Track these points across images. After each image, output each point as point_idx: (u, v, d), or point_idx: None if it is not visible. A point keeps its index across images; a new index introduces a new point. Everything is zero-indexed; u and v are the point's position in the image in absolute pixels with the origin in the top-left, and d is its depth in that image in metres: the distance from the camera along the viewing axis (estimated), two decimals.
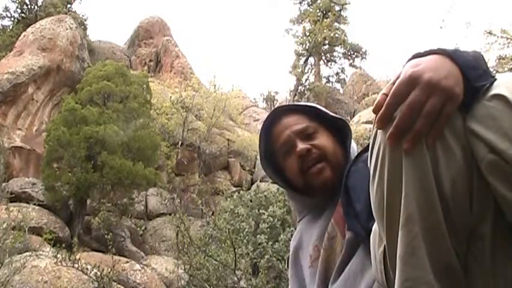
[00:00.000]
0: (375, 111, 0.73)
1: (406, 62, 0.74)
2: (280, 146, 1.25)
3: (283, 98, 25.22)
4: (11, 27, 19.82)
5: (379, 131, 0.74)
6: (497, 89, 0.69)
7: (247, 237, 8.12)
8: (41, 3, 20.02)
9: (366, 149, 1.11)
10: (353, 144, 1.27)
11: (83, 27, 19.90)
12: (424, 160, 0.69)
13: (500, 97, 0.67)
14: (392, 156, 0.70)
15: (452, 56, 0.72)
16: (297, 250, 1.33)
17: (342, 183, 1.12)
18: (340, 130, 1.28)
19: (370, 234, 0.87)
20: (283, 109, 1.30)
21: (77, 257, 7.45)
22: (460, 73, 0.70)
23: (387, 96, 0.71)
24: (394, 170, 0.71)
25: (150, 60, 22.18)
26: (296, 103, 1.33)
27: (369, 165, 0.78)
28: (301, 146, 1.21)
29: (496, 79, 0.72)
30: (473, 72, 0.71)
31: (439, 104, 0.68)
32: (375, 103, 0.73)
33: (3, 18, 20.09)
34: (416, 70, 0.70)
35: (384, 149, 0.72)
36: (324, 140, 1.23)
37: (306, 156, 1.20)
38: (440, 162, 0.69)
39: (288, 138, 1.24)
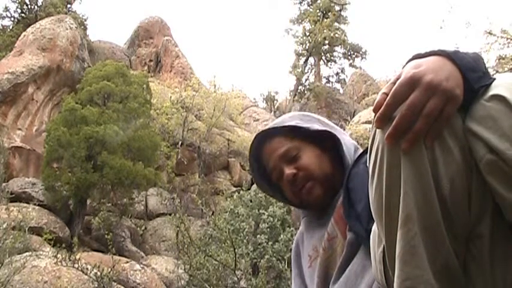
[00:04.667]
0: (375, 110, 0.73)
1: (407, 63, 0.74)
2: (271, 171, 1.28)
3: (283, 98, 25.25)
4: (11, 27, 19.83)
5: (378, 130, 0.74)
6: (496, 89, 0.69)
7: (247, 237, 8.13)
8: (41, 3, 20.03)
9: (367, 151, 1.11)
10: (349, 147, 1.25)
11: (83, 27, 19.91)
12: (422, 160, 0.69)
13: (499, 97, 0.68)
14: (391, 156, 0.71)
15: (453, 57, 0.72)
16: (298, 250, 1.34)
17: (338, 190, 1.14)
18: (326, 139, 1.26)
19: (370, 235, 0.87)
20: (263, 134, 1.30)
21: (77, 257, 7.46)
22: (460, 75, 0.71)
23: (387, 95, 0.71)
24: (392, 169, 0.71)
25: (150, 60, 22.19)
26: (273, 126, 1.31)
27: (367, 164, 0.78)
28: (287, 171, 1.23)
29: (494, 79, 0.72)
30: (473, 74, 0.71)
31: (439, 106, 0.68)
32: (375, 102, 0.73)
33: (3, 18, 20.14)
34: (418, 71, 0.70)
35: (383, 148, 0.72)
36: (307, 158, 1.23)
37: (294, 181, 1.22)
38: (438, 162, 0.69)
39: (275, 164, 1.26)
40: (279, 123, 1.31)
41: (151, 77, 18.75)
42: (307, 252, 1.26)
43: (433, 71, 0.70)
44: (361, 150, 1.22)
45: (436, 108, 0.68)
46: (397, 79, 0.71)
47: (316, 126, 1.26)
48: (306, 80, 25.22)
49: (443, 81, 0.69)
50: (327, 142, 1.26)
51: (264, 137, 1.30)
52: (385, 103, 0.71)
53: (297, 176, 1.22)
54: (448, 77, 0.69)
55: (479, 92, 0.70)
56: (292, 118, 1.30)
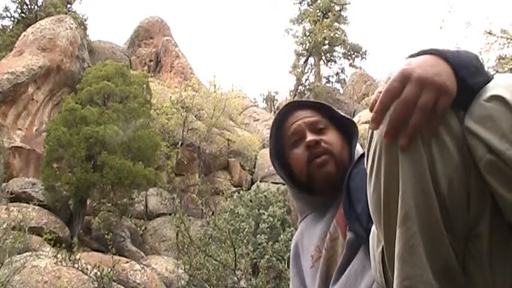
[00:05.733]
0: (371, 109, 0.73)
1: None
2: (290, 136, 1.27)
3: (283, 98, 25.22)
4: (11, 27, 19.83)
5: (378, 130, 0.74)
6: (496, 89, 0.69)
7: (247, 237, 8.12)
8: (41, 3, 20.03)
9: None
10: (358, 146, 1.28)
11: (83, 27, 19.91)
12: (421, 158, 0.69)
13: (499, 98, 0.68)
14: (389, 154, 0.71)
15: (445, 55, 0.73)
16: (298, 250, 1.33)
17: (344, 184, 1.12)
18: (347, 131, 1.29)
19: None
20: (296, 104, 1.32)
21: (77, 257, 7.45)
22: (452, 71, 0.71)
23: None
24: (390, 168, 0.71)
25: (150, 60, 22.17)
26: (308, 99, 1.36)
27: (365, 164, 0.78)
28: (310, 137, 1.22)
29: (491, 78, 0.72)
30: (465, 70, 0.72)
31: (432, 98, 0.69)
32: (371, 101, 0.74)
33: (3, 18, 20.13)
34: (409, 67, 0.71)
35: (380, 147, 0.72)
36: (332, 137, 1.25)
37: (314, 147, 1.21)
38: (436, 161, 0.69)
39: (298, 128, 1.25)
40: (311, 100, 1.36)
41: (151, 77, 18.73)
42: (308, 252, 1.25)
43: (424, 67, 0.70)
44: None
45: (429, 101, 0.68)
46: (390, 77, 0.72)
47: (342, 114, 1.31)
48: (306, 80, 25.24)
49: (435, 75, 0.69)
50: (346, 133, 1.29)
51: (295, 106, 1.31)
52: (379, 100, 0.71)
53: (319, 144, 1.22)
54: (438, 72, 0.70)
55: (474, 88, 0.71)
56: (321, 101, 1.35)
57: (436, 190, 0.69)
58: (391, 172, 0.71)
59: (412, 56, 0.75)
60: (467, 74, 0.72)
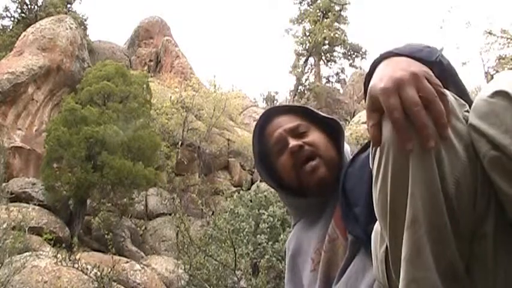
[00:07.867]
0: (376, 144, 0.71)
1: (365, 83, 0.76)
2: (273, 145, 1.25)
3: (283, 98, 25.23)
4: (11, 27, 19.83)
5: (383, 131, 0.72)
6: (499, 85, 0.69)
7: (247, 237, 8.10)
8: (41, 3, 20.02)
9: (362, 150, 1.11)
10: (346, 145, 1.27)
11: (83, 27, 19.91)
12: (430, 160, 0.68)
13: (502, 93, 0.68)
14: (399, 157, 0.70)
15: (397, 52, 0.76)
16: (294, 255, 1.31)
17: (338, 183, 1.12)
18: (332, 130, 1.28)
19: (370, 237, 0.87)
20: (274, 110, 1.31)
21: (77, 257, 7.44)
22: (409, 59, 0.74)
23: (376, 124, 0.71)
24: (399, 170, 0.70)
25: (150, 60, 22.18)
26: (287, 104, 1.36)
27: (370, 165, 0.77)
28: (293, 142, 1.21)
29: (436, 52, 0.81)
30: (419, 53, 0.76)
31: (427, 86, 0.68)
32: (372, 137, 0.72)
33: (3, 18, 20.12)
34: (379, 82, 0.70)
35: (388, 149, 0.71)
36: (315, 137, 1.23)
37: (298, 153, 1.20)
38: (444, 162, 0.69)
39: (280, 137, 1.24)
40: (290, 104, 1.34)
41: (151, 77, 18.72)
42: (308, 255, 1.24)
43: (388, 73, 0.70)
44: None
45: (426, 88, 0.67)
46: (370, 107, 0.71)
47: (324, 115, 1.30)
48: (306, 80, 25.24)
49: (400, 70, 0.69)
50: (331, 132, 1.27)
51: (274, 113, 1.30)
52: (398, 126, 0.68)
53: (303, 148, 1.20)
54: (403, 67, 0.70)
55: (435, 62, 0.77)
56: (300, 104, 1.33)
57: (444, 192, 0.68)
58: (400, 174, 0.70)
59: (372, 68, 0.77)
60: (422, 55, 0.77)
